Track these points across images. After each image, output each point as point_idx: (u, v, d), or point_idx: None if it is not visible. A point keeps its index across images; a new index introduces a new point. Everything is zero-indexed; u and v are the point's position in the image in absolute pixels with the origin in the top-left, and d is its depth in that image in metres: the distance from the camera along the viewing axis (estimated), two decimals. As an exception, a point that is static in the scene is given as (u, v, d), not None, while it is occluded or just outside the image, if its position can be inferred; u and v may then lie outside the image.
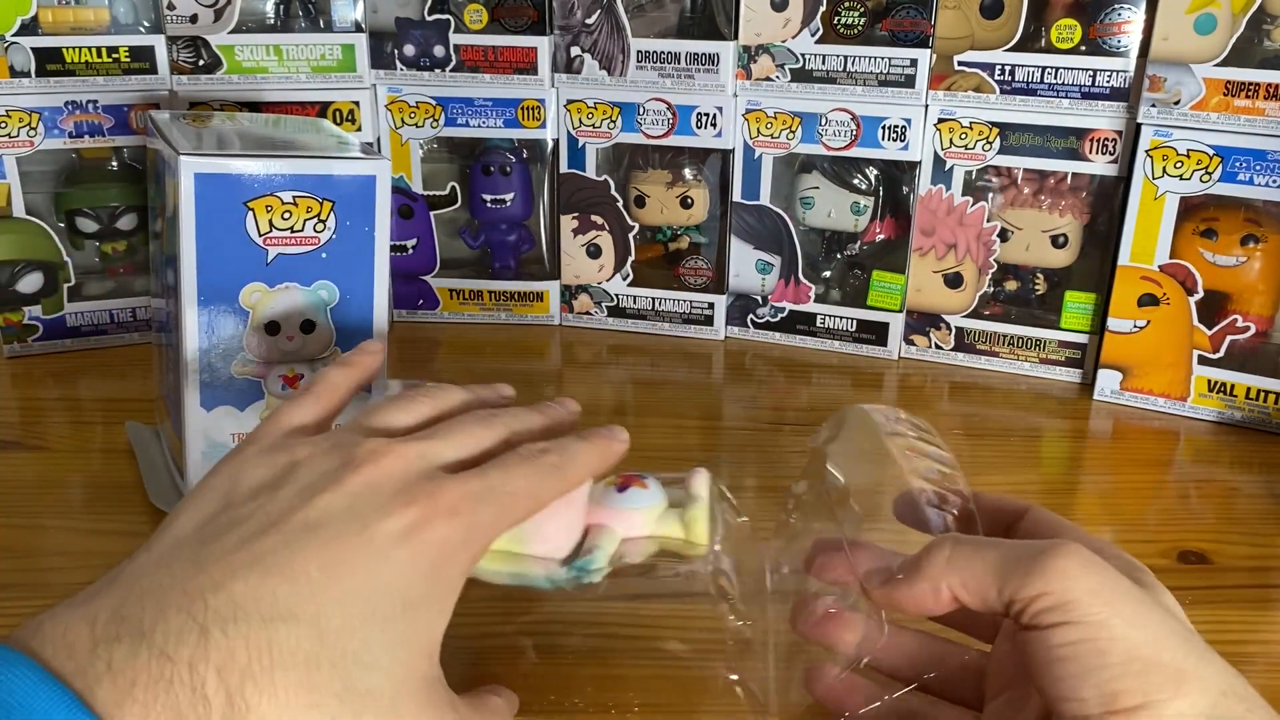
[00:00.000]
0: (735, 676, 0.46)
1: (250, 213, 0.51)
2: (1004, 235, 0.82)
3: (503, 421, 0.39)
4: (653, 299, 0.90)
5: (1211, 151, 0.72)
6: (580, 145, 0.87)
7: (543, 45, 0.84)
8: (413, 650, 0.31)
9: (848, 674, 0.42)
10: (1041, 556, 0.33)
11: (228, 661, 0.27)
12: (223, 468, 0.35)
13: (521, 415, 0.40)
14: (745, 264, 0.88)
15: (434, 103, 0.87)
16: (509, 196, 0.89)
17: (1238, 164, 0.72)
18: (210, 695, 0.27)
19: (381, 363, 0.44)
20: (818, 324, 0.88)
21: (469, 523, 0.33)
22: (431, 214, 0.90)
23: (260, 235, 0.52)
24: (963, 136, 0.80)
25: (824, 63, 0.81)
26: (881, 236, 0.85)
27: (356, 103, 0.85)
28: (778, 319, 0.89)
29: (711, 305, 0.90)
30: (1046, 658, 0.32)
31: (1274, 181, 0.71)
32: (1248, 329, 0.75)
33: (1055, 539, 0.34)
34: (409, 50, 0.85)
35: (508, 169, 0.89)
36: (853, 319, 0.87)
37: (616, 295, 0.91)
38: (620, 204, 0.89)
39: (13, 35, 0.77)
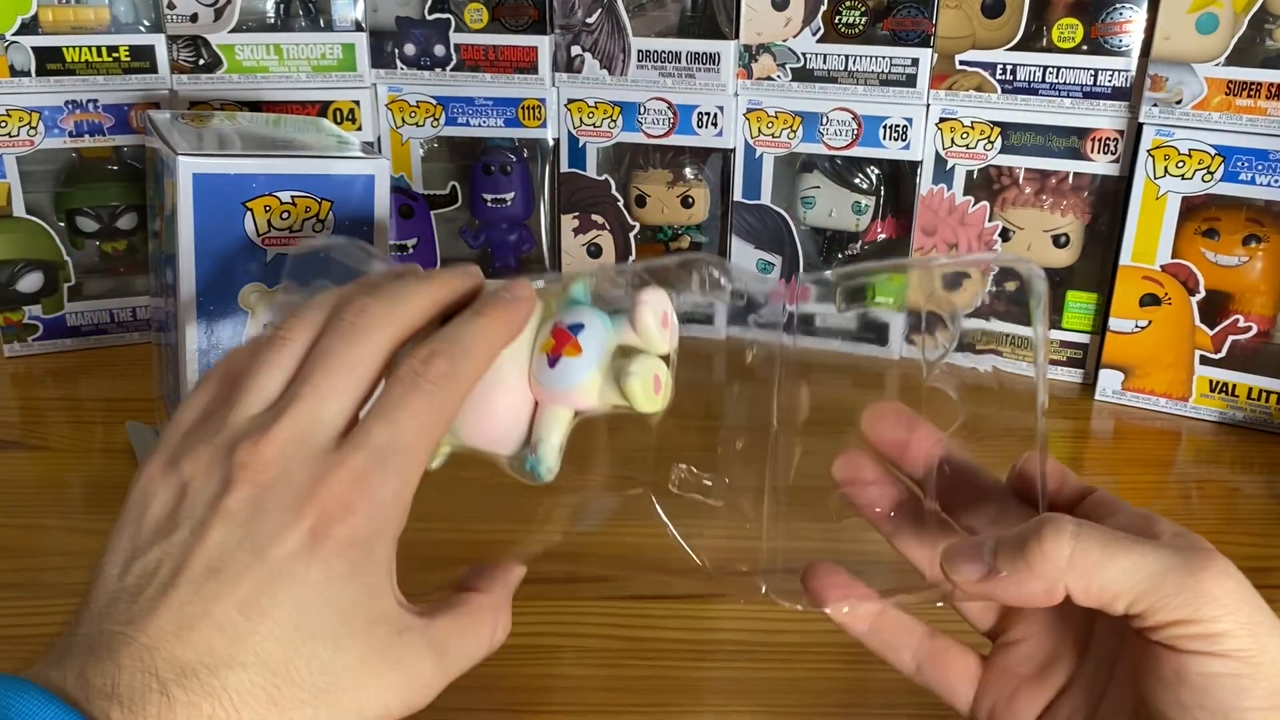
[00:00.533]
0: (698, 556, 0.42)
1: (249, 213, 0.51)
2: (1005, 235, 0.82)
3: (377, 327, 0.33)
4: (653, 298, 0.90)
5: (1213, 151, 0.72)
6: (581, 144, 0.87)
7: (543, 44, 0.84)
8: (362, 637, 0.31)
9: (843, 572, 0.38)
10: (1190, 575, 0.29)
11: (194, 713, 0.28)
12: (132, 489, 0.33)
13: (402, 304, 0.34)
14: (746, 263, 0.88)
15: (434, 102, 0.86)
16: (509, 196, 0.89)
17: (1239, 164, 0.71)
18: None
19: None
20: (818, 324, 0.88)
21: (368, 511, 0.31)
22: (432, 213, 0.90)
23: (259, 235, 0.52)
24: (964, 136, 0.79)
25: (825, 62, 0.81)
26: (883, 236, 0.85)
27: (357, 102, 0.85)
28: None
29: (712, 305, 0.89)
30: (1176, 680, 0.30)
31: (1276, 181, 0.71)
32: (1249, 329, 0.75)
33: (1198, 547, 0.31)
34: (409, 49, 0.85)
35: (508, 168, 0.89)
36: (854, 319, 0.87)
37: (617, 295, 0.90)
38: (621, 203, 0.88)
39: (13, 34, 0.77)
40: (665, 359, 0.37)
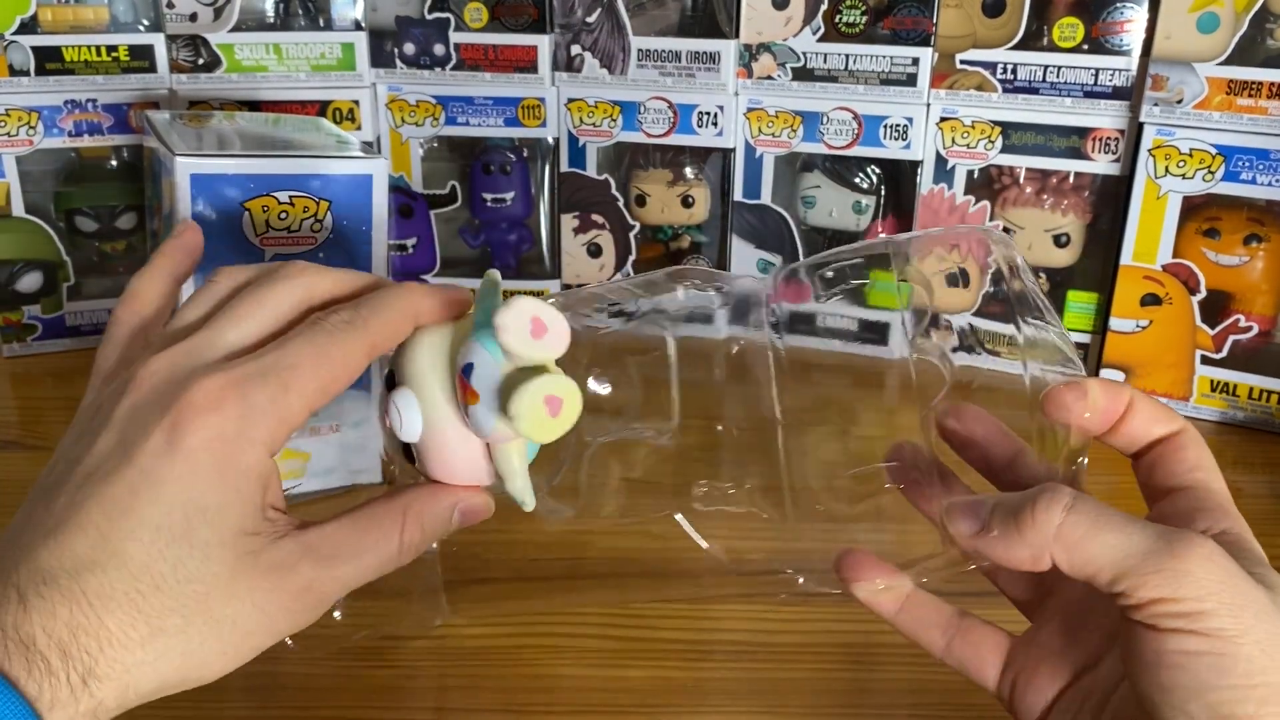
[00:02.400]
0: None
1: (247, 213, 0.51)
2: (1006, 234, 0.81)
3: (292, 276, 0.34)
4: (653, 298, 0.90)
5: (1214, 150, 0.72)
6: (581, 144, 0.87)
7: (543, 44, 0.84)
8: (232, 546, 0.30)
9: (872, 555, 0.38)
10: (1172, 556, 0.29)
11: (50, 620, 0.28)
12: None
13: (326, 270, 0.35)
14: (747, 263, 0.88)
15: (434, 101, 0.86)
16: (509, 195, 0.89)
17: (1240, 163, 0.71)
18: (43, 650, 0.27)
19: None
20: (819, 323, 0.88)
21: (237, 410, 0.31)
22: (432, 213, 0.90)
23: (257, 235, 0.52)
24: (965, 135, 0.79)
25: (825, 61, 0.81)
26: (883, 236, 0.85)
27: (356, 102, 0.85)
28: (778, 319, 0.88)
29: (712, 305, 0.89)
30: (1156, 660, 0.29)
31: (1277, 181, 0.71)
32: (1250, 329, 0.74)
33: (1183, 531, 0.30)
34: (409, 49, 0.85)
35: (508, 168, 0.88)
36: (854, 318, 0.87)
37: (617, 294, 0.90)
38: (621, 203, 0.88)
39: (12, 34, 0.77)
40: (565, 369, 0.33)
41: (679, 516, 0.41)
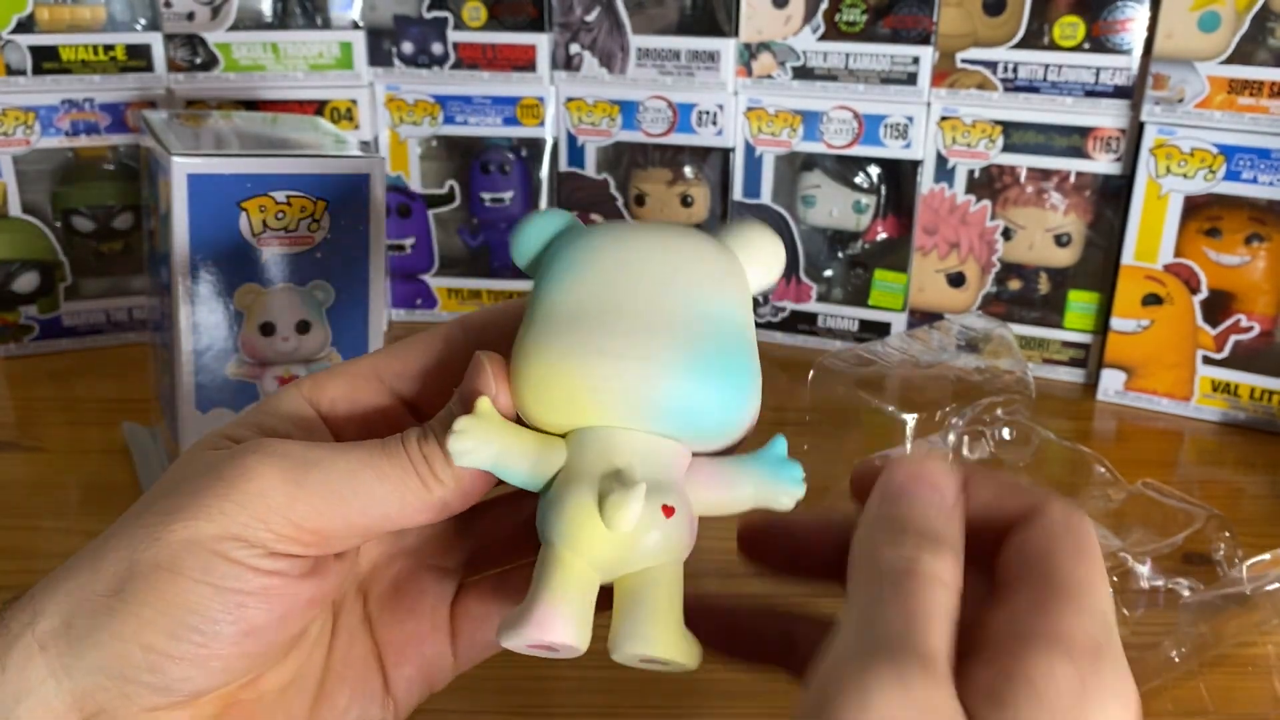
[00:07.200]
0: None
1: (244, 213, 0.51)
2: (1007, 234, 0.81)
3: None
4: (653, 298, 0.90)
5: (1215, 150, 0.72)
6: (580, 143, 0.86)
7: (542, 42, 0.84)
8: None
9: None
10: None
11: None
12: None
13: None
14: (746, 263, 0.88)
15: (432, 100, 0.86)
16: (508, 195, 0.89)
17: (1242, 162, 0.71)
18: None
19: None
20: (819, 323, 0.87)
21: None
22: (430, 213, 0.90)
23: (254, 235, 0.51)
24: (965, 135, 0.79)
25: (826, 60, 0.80)
26: (883, 235, 0.84)
27: (354, 101, 0.85)
28: (779, 318, 0.88)
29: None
30: None
31: (1278, 180, 0.70)
32: (1252, 329, 0.74)
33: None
34: (407, 48, 0.85)
35: (506, 167, 0.88)
36: (855, 318, 0.86)
37: (616, 294, 0.90)
38: (620, 203, 0.88)
39: (9, 33, 0.77)
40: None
41: None
